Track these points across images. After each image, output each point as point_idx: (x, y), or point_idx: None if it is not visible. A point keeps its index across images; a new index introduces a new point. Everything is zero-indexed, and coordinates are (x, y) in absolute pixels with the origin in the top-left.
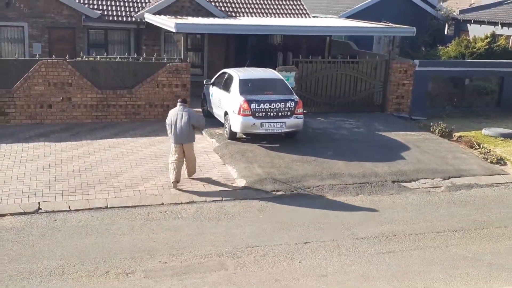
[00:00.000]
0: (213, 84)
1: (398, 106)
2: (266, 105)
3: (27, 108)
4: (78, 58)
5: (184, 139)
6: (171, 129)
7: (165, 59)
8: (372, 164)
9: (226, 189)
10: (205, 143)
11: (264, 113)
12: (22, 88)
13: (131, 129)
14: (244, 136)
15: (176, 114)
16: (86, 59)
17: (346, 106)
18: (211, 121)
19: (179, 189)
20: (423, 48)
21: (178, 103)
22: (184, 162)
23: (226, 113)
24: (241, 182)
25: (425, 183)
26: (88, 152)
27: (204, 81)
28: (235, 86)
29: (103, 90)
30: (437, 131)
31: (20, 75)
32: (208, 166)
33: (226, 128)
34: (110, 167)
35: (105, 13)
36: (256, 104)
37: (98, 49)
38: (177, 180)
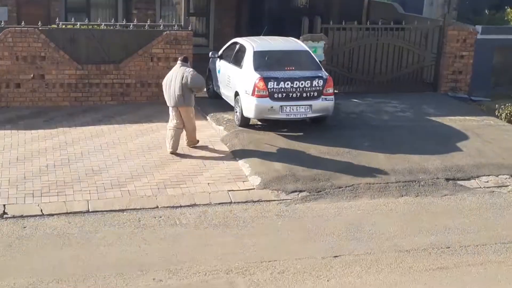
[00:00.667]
0: (220, 57)
1: (454, 84)
2: (287, 84)
3: None
4: (53, 26)
5: (179, 101)
6: (166, 89)
7: (161, 27)
8: (420, 158)
9: (236, 188)
10: (210, 131)
11: (284, 94)
12: None
13: (119, 114)
14: (259, 123)
15: (172, 74)
16: (63, 26)
17: (389, 84)
18: (218, 103)
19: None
20: (486, 11)
21: (178, 61)
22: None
23: (236, 94)
24: (255, 180)
25: (487, 182)
26: (65, 143)
27: (210, 53)
28: (248, 59)
29: (84, 65)
30: (503, 115)
31: None
32: (214, 160)
33: (236, 112)
34: (92, 161)
35: None
36: (275, 83)
37: (78, 14)
38: (174, 151)
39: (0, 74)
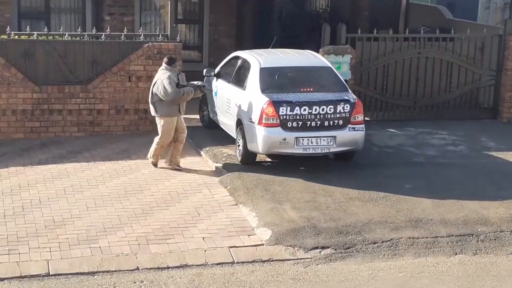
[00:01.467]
0: (218, 75)
1: None
2: (304, 110)
3: None
4: (2, 36)
5: (151, 111)
6: None
7: (142, 37)
8: (478, 204)
9: (240, 244)
10: (205, 171)
11: (300, 123)
12: None
13: (87, 149)
14: (269, 159)
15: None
16: (16, 37)
17: (435, 109)
18: (215, 134)
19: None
20: None
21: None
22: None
23: (239, 123)
24: (264, 234)
25: None
26: (19, 186)
27: (204, 71)
28: (253, 78)
29: (42, 87)
30: None
31: None
32: (211, 208)
33: (239, 146)
34: (54, 210)
35: None
36: (288, 108)
37: (35, 21)
38: (154, 161)
39: None
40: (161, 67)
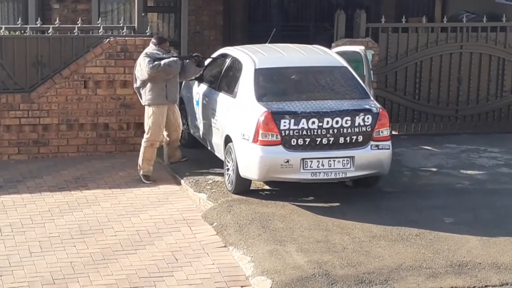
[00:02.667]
0: (200, 79)
1: None
2: (313, 123)
3: None
4: None
5: (139, 97)
6: None
7: (101, 30)
8: None
9: None
10: (184, 203)
11: (308, 140)
12: None
13: (31, 176)
14: (267, 187)
15: None
16: None
17: (482, 120)
18: (197, 155)
19: None
20: None
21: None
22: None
23: (228, 140)
24: (262, 285)
25: None
26: None
27: None
28: (246, 83)
29: None
30: None
31: None
32: (192, 251)
33: (228, 170)
34: None
35: None
36: (292, 121)
37: None
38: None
39: None
40: (147, 47)
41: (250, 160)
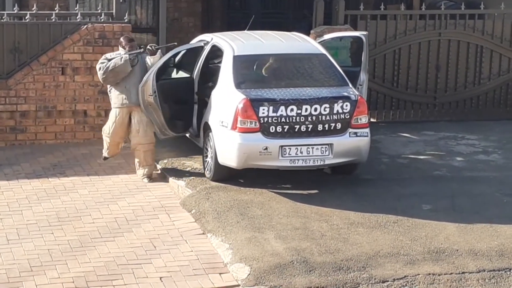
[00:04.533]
0: (178, 67)
1: None
2: (291, 110)
3: None
4: None
5: None
6: None
7: (79, 16)
8: None
9: (209, 286)
10: (162, 190)
11: (287, 127)
12: None
13: (8, 163)
14: (244, 176)
15: None
16: None
17: (460, 107)
18: (176, 142)
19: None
20: None
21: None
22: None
23: (206, 127)
24: (240, 272)
25: None
26: None
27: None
28: (225, 70)
29: None
30: None
31: None
32: (170, 238)
33: (207, 158)
34: None
35: None
36: (271, 108)
37: None
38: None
39: None
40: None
41: (229, 147)
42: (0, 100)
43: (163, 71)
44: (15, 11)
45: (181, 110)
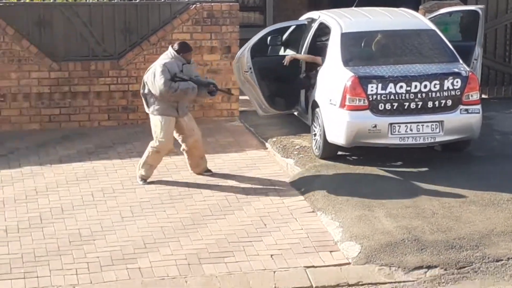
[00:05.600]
0: (286, 44)
1: None
2: (401, 87)
3: None
4: (11, 0)
5: (144, 104)
6: None
7: None
8: None
9: (320, 263)
10: (272, 168)
11: (396, 104)
12: None
13: (121, 142)
14: (353, 153)
15: None
16: (28, 0)
17: None
18: (284, 120)
19: None
20: None
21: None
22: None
23: (315, 105)
24: (350, 250)
25: None
26: (35, 191)
27: (268, 39)
28: (333, 47)
29: (62, 64)
30: None
31: None
32: (280, 216)
33: (315, 136)
34: (80, 221)
35: None
36: (379, 85)
37: None
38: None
39: None
40: (166, 52)
41: (337, 125)
42: (112, 80)
43: (259, 47)
44: None
45: (284, 88)
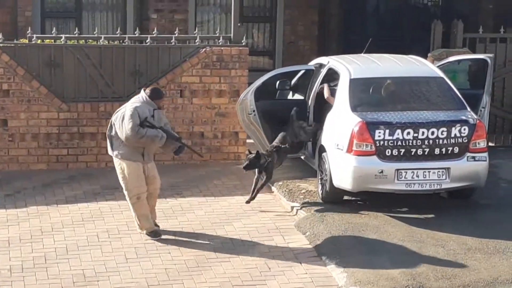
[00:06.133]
0: (294, 89)
1: None
2: (408, 133)
3: None
4: (22, 40)
5: (109, 146)
6: None
7: (197, 40)
8: None
9: None
10: (277, 212)
11: (403, 150)
12: None
13: None
14: (360, 198)
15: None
16: (39, 41)
17: None
18: (290, 164)
19: None
20: None
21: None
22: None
23: (322, 150)
24: None
25: None
26: (41, 231)
27: (277, 83)
28: (341, 92)
29: (71, 104)
30: None
31: None
32: (285, 260)
33: (321, 180)
34: (85, 262)
35: None
36: (387, 131)
37: (63, 21)
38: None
39: None
40: (137, 95)
41: (344, 170)
42: None
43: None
44: (136, 35)
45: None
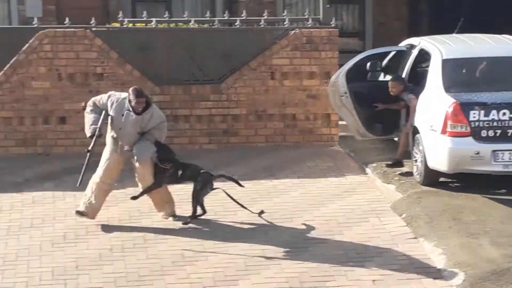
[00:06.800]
0: (385, 70)
1: None
2: (504, 114)
3: (17, 125)
4: (114, 25)
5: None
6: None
7: (286, 22)
8: None
9: None
10: (372, 194)
11: (499, 131)
12: (8, 84)
13: (221, 165)
14: (455, 180)
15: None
16: (130, 25)
17: None
18: (383, 146)
19: None
20: None
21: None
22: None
23: (415, 131)
24: (454, 278)
25: None
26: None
27: (368, 64)
28: (434, 74)
29: (164, 87)
30: None
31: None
32: (382, 242)
33: (416, 162)
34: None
35: None
36: (482, 112)
37: (154, 6)
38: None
39: (34, 102)
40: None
41: (439, 151)
42: (213, 104)
43: (355, 72)
44: (226, 18)
45: (381, 113)
